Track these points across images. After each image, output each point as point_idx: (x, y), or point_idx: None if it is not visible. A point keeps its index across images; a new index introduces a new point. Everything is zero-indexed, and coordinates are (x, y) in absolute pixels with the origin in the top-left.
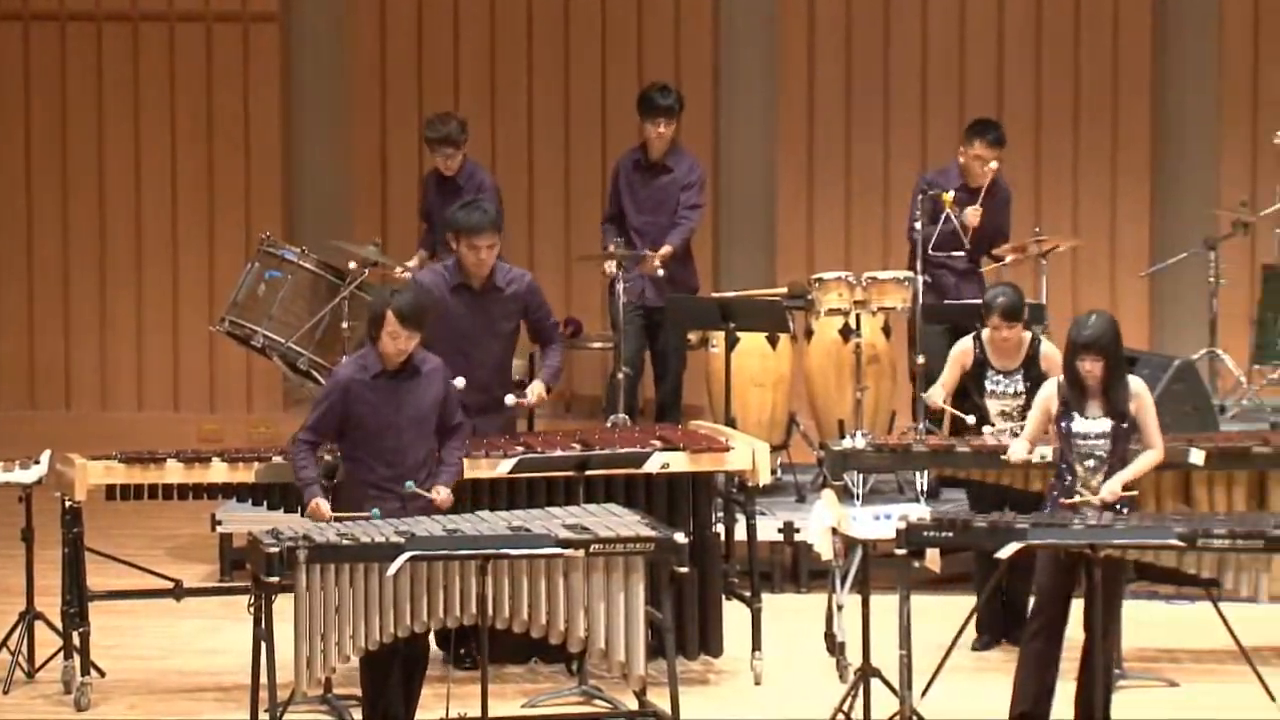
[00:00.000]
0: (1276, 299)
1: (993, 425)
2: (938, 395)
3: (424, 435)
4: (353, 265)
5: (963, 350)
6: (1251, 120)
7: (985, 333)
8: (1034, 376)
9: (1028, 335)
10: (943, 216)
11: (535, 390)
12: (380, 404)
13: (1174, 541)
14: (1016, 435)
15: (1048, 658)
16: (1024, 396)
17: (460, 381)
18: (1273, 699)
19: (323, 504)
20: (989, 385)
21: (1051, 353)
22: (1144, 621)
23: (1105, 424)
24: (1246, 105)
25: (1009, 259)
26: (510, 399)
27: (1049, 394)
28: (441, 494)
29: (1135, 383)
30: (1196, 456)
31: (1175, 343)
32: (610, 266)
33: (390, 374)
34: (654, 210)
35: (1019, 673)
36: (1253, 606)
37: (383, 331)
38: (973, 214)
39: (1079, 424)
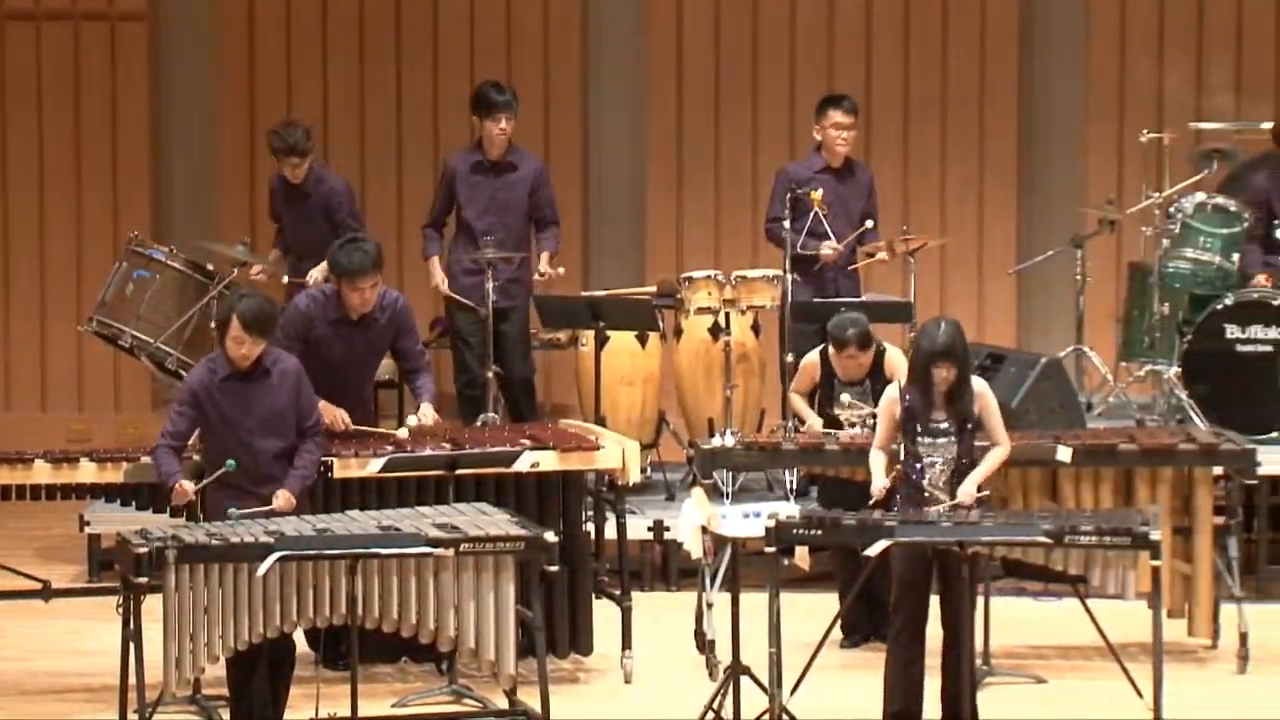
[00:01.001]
0: (1143, 296)
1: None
2: (816, 422)
3: (278, 435)
4: (210, 267)
5: (811, 363)
6: (1118, 118)
7: (830, 349)
8: (878, 390)
9: (872, 346)
10: (810, 215)
11: (429, 414)
12: (230, 406)
13: (1041, 538)
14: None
15: (912, 654)
16: (869, 401)
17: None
18: (1140, 695)
19: (185, 483)
20: (838, 396)
21: (895, 357)
22: (1012, 619)
23: (950, 425)
24: (1113, 103)
25: (880, 255)
26: (412, 420)
27: (892, 398)
28: (279, 499)
29: (977, 383)
30: (1064, 454)
31: (1042, 340)
32: (437, 278)
33: (240, 376)
34: (500, 210)
35: (887, 671)
36: (1120, 603)
37: (228, 336)
38: (828, 249)
39: (924, 426)
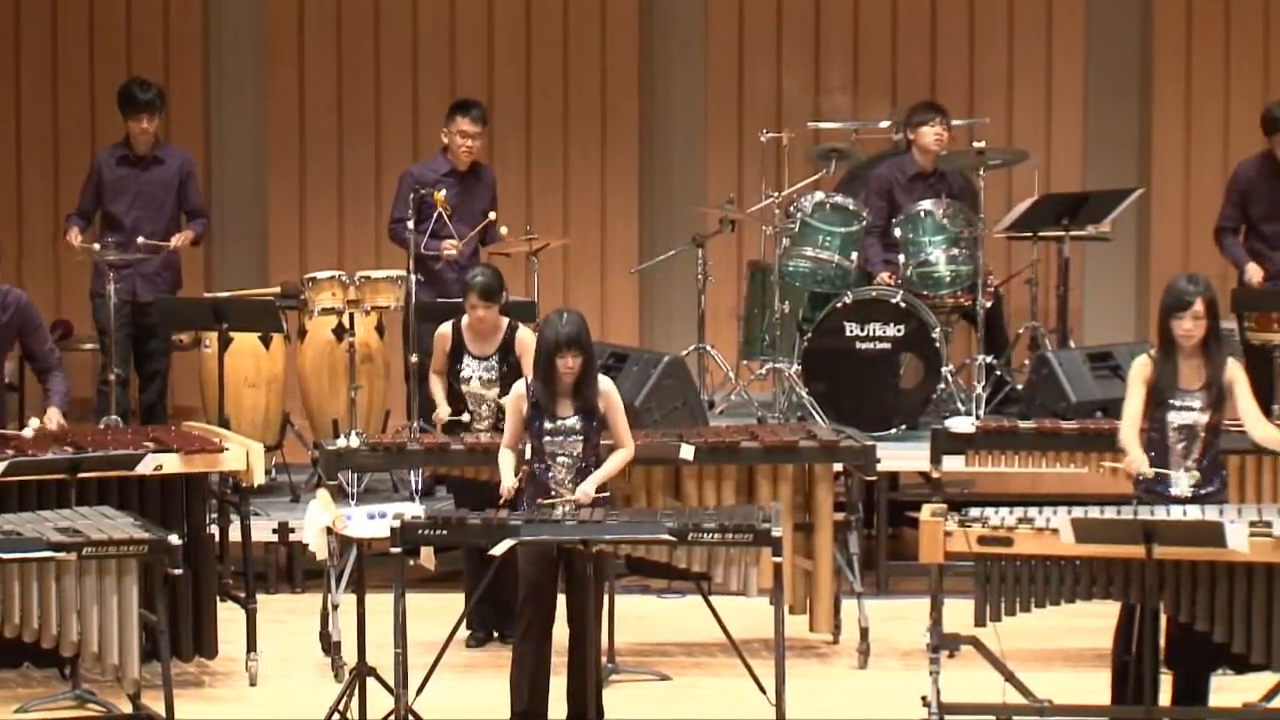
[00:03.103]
0: (763, 295)
1: (472, 412)
2: (444, 411)
3: None
4: None
5: (442, 335)
6: (738, 118)
7: (464, 319)
8: (509, 362)
9: (505, 320)
10: (433, 216)
11: (54, 417)
12: None
13: (665, 536)
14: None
15: (538, 652)
16: (499, 384)
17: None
18: (763, 691)
19: None
20: (465, 370)
21: (527, 338)
22: (636, 616)
23: (576, 422)
24: (732, 104)
25: (503, 231)
26: (34, 424)
27: (519, 394)
28: None
29: (604, 381)
30: (686, 452)
31: (665, 339)
32: (72, 235)
33: None
34: (146, 204)
35: (513, 671)
36: (743, 600)
37: None
38: (450, 247)
39: (550, 423)
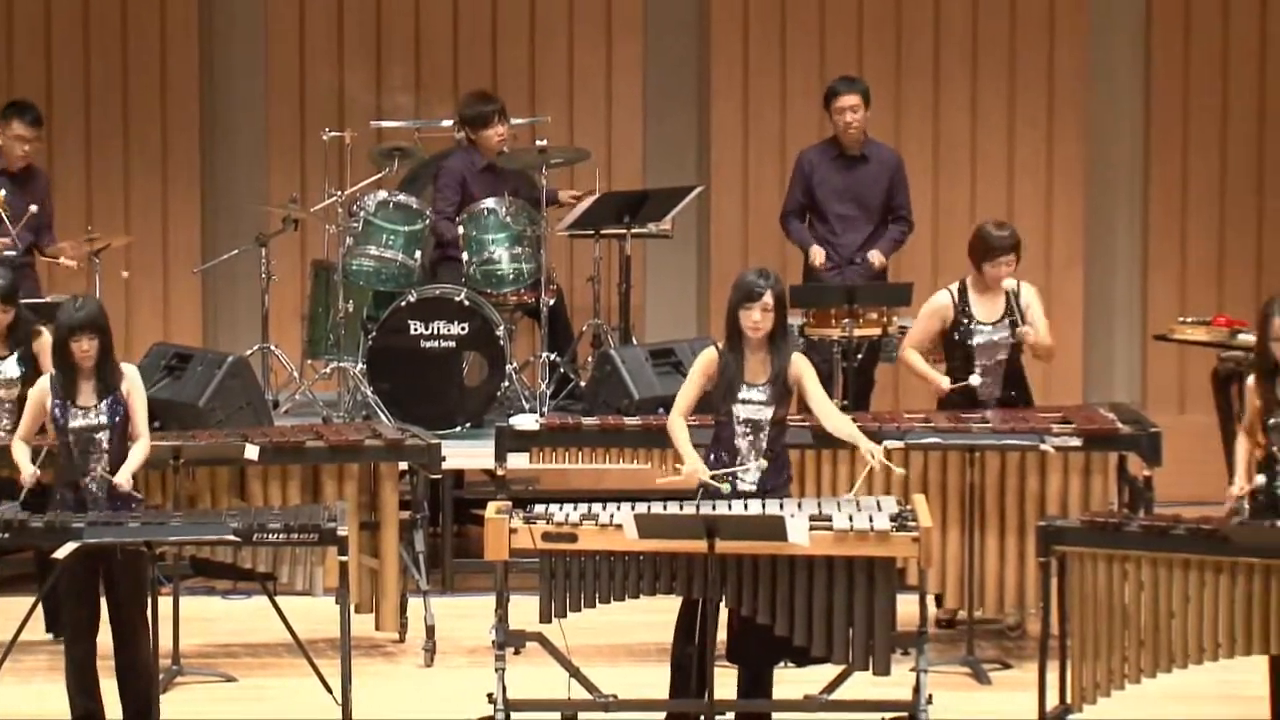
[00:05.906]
0: (327, 294)
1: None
2: None
3: None
4: None
5: None
6: (299, 117)
7: None
8: (30, 362)
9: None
10: None
11: None
12: None
13: (230, 536)
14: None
15: (86, 656)
16: (19, 385)
17: None
18: (329, 690)
19: None
20: None
21: (46, 338)
22: (201, 617)
23: (100, 409)
24: (294, 102)
25: (63, 260)
26: None
27: (43, 389)
28: None
29: (128, 367)
30: (251, 452)
31: (229, 339)
32: None
33: None
34: None
35: (67, 675)
36: (309, 600)
37: None
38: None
39: (74, 414)
